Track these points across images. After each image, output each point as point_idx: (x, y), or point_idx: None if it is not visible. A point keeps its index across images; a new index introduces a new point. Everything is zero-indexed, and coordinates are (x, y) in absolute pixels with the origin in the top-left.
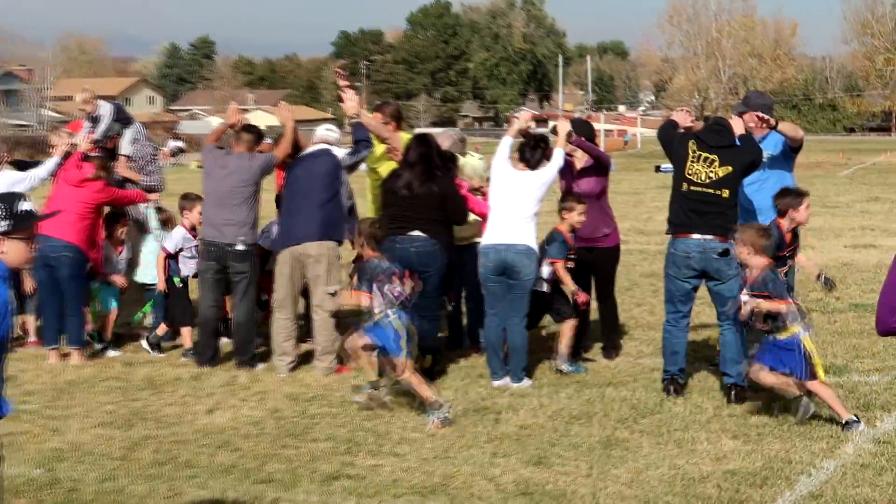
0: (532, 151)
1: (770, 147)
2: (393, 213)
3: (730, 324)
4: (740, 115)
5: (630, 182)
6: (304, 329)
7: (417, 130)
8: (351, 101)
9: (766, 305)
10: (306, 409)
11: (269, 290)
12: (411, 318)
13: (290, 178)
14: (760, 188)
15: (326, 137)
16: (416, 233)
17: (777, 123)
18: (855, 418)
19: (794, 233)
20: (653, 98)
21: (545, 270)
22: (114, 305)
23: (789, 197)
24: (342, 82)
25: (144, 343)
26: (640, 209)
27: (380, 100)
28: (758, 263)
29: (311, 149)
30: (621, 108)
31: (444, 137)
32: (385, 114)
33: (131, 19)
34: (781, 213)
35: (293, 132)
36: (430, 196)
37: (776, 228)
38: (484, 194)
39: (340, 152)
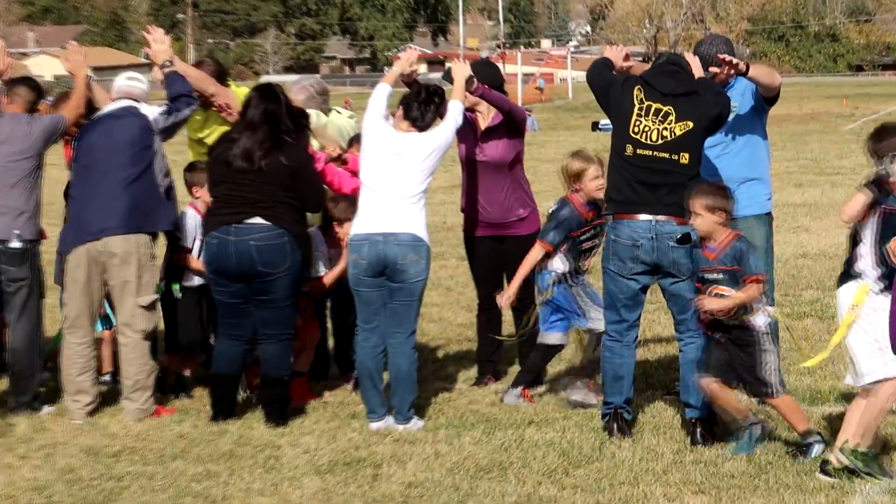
0: (420, 106)
1: (736, 98)
2: (225, 192)
3: (693, 336)
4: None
5: (558, 145)
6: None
7: (264, 79)
8: (159, 45)
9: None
10: (111, 468)
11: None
12: None
13: (83, 149)
14: (725, 153)
15: (130, 90)
16: (257, 220)
17: (748, 68)
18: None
19: None
20: (588, 30)
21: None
22: None
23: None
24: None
25: None
26: None
27: (211, 38)
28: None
29: (109, 107)
30: (545, 44)
31: (299, 89)
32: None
33: None
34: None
35: (85, 84)
36: (277, 170)
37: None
38: (345, 162)
39: (151, 111)
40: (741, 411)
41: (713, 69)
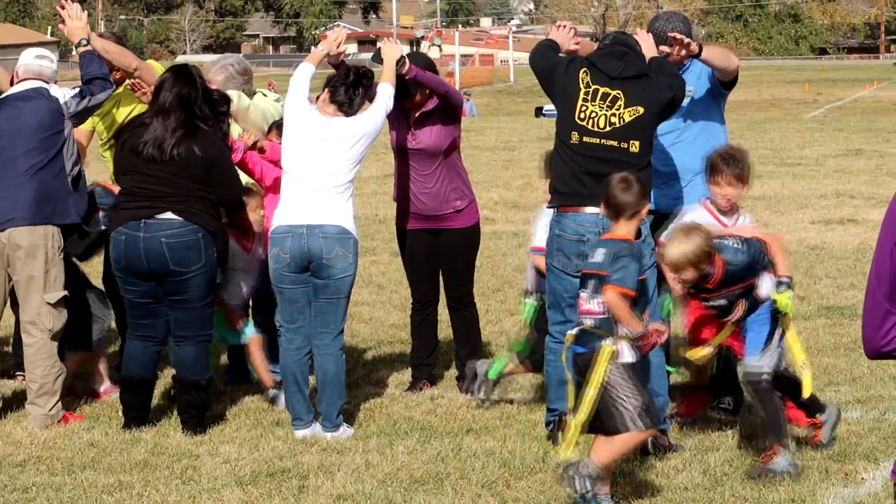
0: (348, 90)
1: (692, 82)
2: (133, 184)
3: None
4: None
5: (498, 132)
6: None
7: (181, 59)
8: (76, 21)
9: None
10: (16, 479)
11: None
12: None
13: None
14: (678, 141)
15: (40, 70)
16: (169, 215)
17: (701, 49)
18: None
19: None
20: (531, 7)
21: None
22: None
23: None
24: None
25: None
26: (514, 172)
27: (123, 14)
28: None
29: (15, 88)
30: (485, 23)
31: (218, 69)
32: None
33: None
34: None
35: None
36: (190, 161)
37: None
38: (262, 151)
39: (62, 93)
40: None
41: (664, 48)
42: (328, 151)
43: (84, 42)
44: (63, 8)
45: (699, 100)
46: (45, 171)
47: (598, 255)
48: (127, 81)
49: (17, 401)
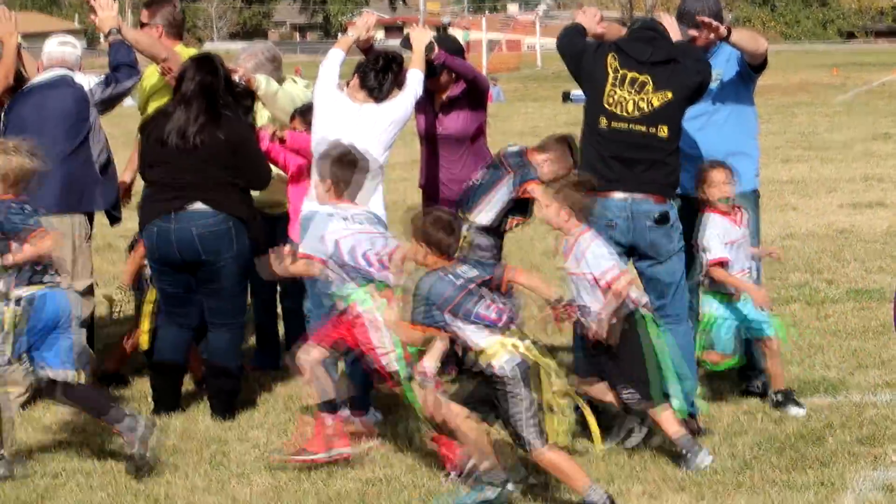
0: (378, 75)
1: (720, 65)
2: (161, 176)
3: (672, 322)
4: (690, 39)
5: (526, 117)
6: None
7: (208, 46)
8: (107, 11)
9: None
10: (46, 465)
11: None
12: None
13: (13, 122)
14: (708, 125)
15: (64, 57)
16: (198, 206)
17: (730, 32)
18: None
19: None
20: None
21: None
22: None
23: None
24: None
25: None
26: None
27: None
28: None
29: (41, 76)
30: (512, 9)
31: (247, 56)
32: (153, 22)
33: None
34: None
35: (15, 53)
36: (215, 147)
37: None
38: (283, 141)
39: (87, 80)
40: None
41: (692, 32)
42: (358, 137)
43: (114, 31)
44: (94, 0)
45: (728, 83)
46: (72, 158)
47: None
48: (160, 66)
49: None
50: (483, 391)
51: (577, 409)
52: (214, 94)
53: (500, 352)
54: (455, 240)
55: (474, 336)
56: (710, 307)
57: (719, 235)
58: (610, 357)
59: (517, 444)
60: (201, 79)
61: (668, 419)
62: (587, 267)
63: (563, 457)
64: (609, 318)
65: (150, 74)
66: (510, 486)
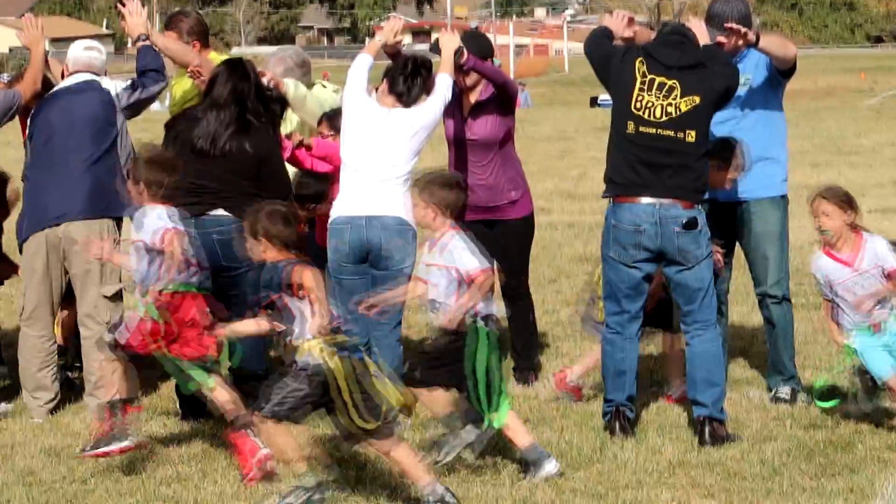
0: (407, 80)
1: (749, 70)
2: (183, 178)
3: (700, 328)
4: (717, 43)
5: (554, 122)
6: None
7: (236, 51)
8: (136, 17)
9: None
10: (74, 470)
11: None
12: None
13: (40, 127)
14: (736, 129)
15: (90, 62)
16: (220, 212)
17: (759, 38)
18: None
19: None
20: None
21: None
22: None
23: None
24: None
25: None
26: (569, 162)
27: (178, 6)
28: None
29: (67, 81)
30: (539, 13)
31: (276, 61)
32: (181, 31)
33: None
34: None
35: (42, 59)
36: (242, 157)
37: None
38: (309, 148)
39: (113, 85)
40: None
41: (720, 38)
42: (387, 142)
43: (143, 38)
44: (124, 5)
45: (757, 88)
46: (100, 164)
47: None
48: (189, 69)
49: (75, 393)
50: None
51: None
52: (245, 100)
53: (308, 351)
54: (293, 231)
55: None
56: (857, 341)
57: (819, 276)
58: (443, 366)
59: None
60: (234, 85)
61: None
62: (451, 260)
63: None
64: (464, 310)
65: (182, 79)
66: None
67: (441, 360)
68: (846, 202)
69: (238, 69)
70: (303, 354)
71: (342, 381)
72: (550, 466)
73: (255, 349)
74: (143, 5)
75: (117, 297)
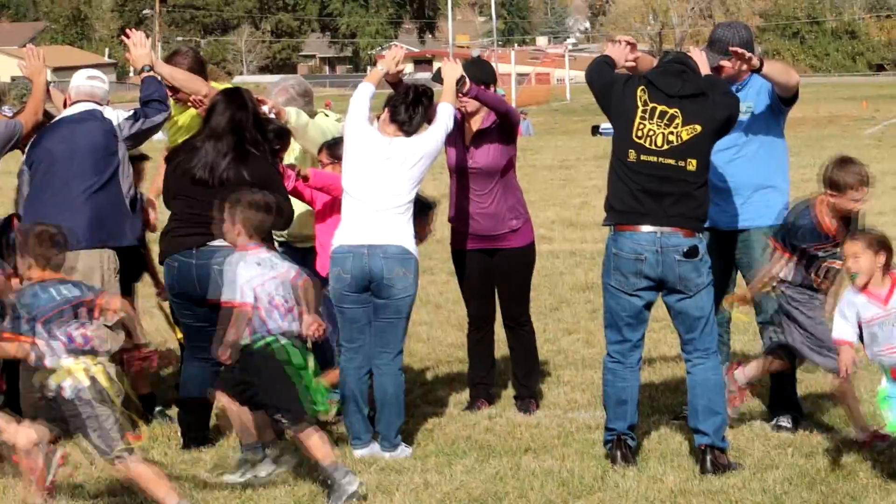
0: (409, 109)
1: (751, 97)
2: (184, 209)
3: (701, 357)
4: (718, 68)
5: (556, 150)
6: None
7: (238, 80)
8: (140, 49)
9: None
10: (76, 500)
11: None
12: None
13: (41, 156)
14: (737, 157)
15: (93, 91)
16: (220, 242)
17: (762, 64)
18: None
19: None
20: (587, 26)
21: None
22: None
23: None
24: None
25: None
26: (571, 191)
27: (180, 35)
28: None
29: (70, 111)
30: (541, 42)
31: (279, 90)
32: (180, 67)
33: None
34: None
35: (44, 90)
36: (241, 185)
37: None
38: (306, 179)
39: (115, 115)
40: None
41: (724, 62)
42: (389, 171)
43: (147, 68)
44: (129, 37)
45: (759, 115)
46: (101, 193)
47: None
48: (189, 100)
49: None
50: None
51: None
52: (243, 130)
53: (67, 376)
54: (54, 254)
55: (50, 355)
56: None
57: (843, 311)
58: (258, 387)
59: (101, 454)
60: (231, 114)
61: (316, 444)
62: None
63: (152, 469)
64: (233, 340)
65: (182, 111)
66: None
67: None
68: (879, 244)
69: (235, 98)
70: (63, 379)
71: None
72: (351, 484)
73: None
74: (146, 36)
75: (118, 325)
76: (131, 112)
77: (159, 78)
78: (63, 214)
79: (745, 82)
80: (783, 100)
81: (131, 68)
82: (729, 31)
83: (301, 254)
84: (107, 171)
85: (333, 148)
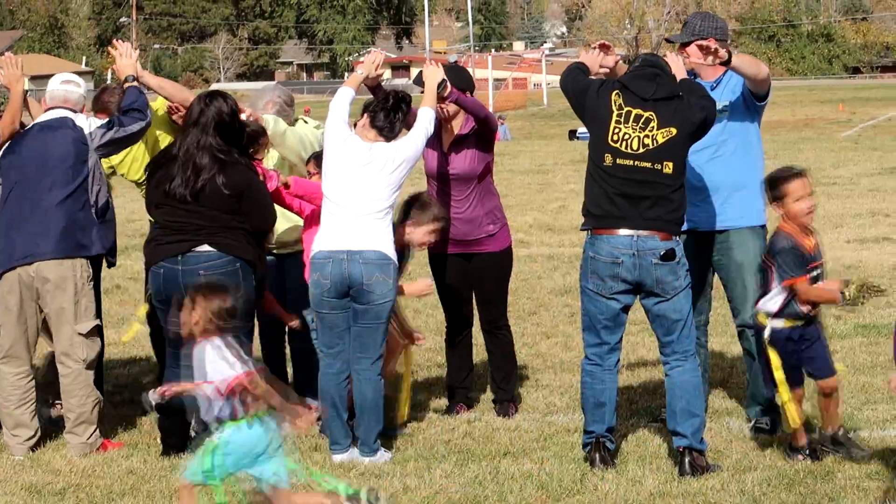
0: (389, 114)
1: (726, 95)
2: (166, 218)
3: (679, 360)
4: (683, 47)
5: (532, 155)
6: None
7: (215, 87)
8: (125, 60)
9: None
10: None
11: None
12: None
13: (13, 163)
14: (716, 156)
15: (67, 96)
16: (205, 248)
17: (730, 56)
18: None
19: None
20: (564, 31)
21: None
22: None
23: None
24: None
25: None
26: (548, 195)
27: (157, 43)
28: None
29: (42, 117)
30: (518, 47)
31: (267, 103)
32: (109, 104)
33: None
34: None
35: (21, 99)
36: (219, 194)
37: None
38: (287, 186)
39: (87, 123)
40: None
41: (688, 50)
42: (369, 177)
43: (131, 78)
44: (115, 48)
45: (735, 114)
46: (70, 202)
47: None
48: (166, 104)
49: (55, 429)
50: None
51: None
52: (220, 134)
53: None
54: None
55: None
56: None
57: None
58: None
59: None
60: (206, 121)
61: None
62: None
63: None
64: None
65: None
66: None
67: None
68: None
69: (212, 103)
70: None
71: None
72: None
73: None
74: (133, 48)
75: (93, 333)
76: (105, 121)
77: (143, 89)
78: (33, 223)
79: (719, 80)
80: (756, 95)
81: (107, 75)
82: (704, 22)
83: (280, 260)
84: (76, 181)
85: (321, 159)
